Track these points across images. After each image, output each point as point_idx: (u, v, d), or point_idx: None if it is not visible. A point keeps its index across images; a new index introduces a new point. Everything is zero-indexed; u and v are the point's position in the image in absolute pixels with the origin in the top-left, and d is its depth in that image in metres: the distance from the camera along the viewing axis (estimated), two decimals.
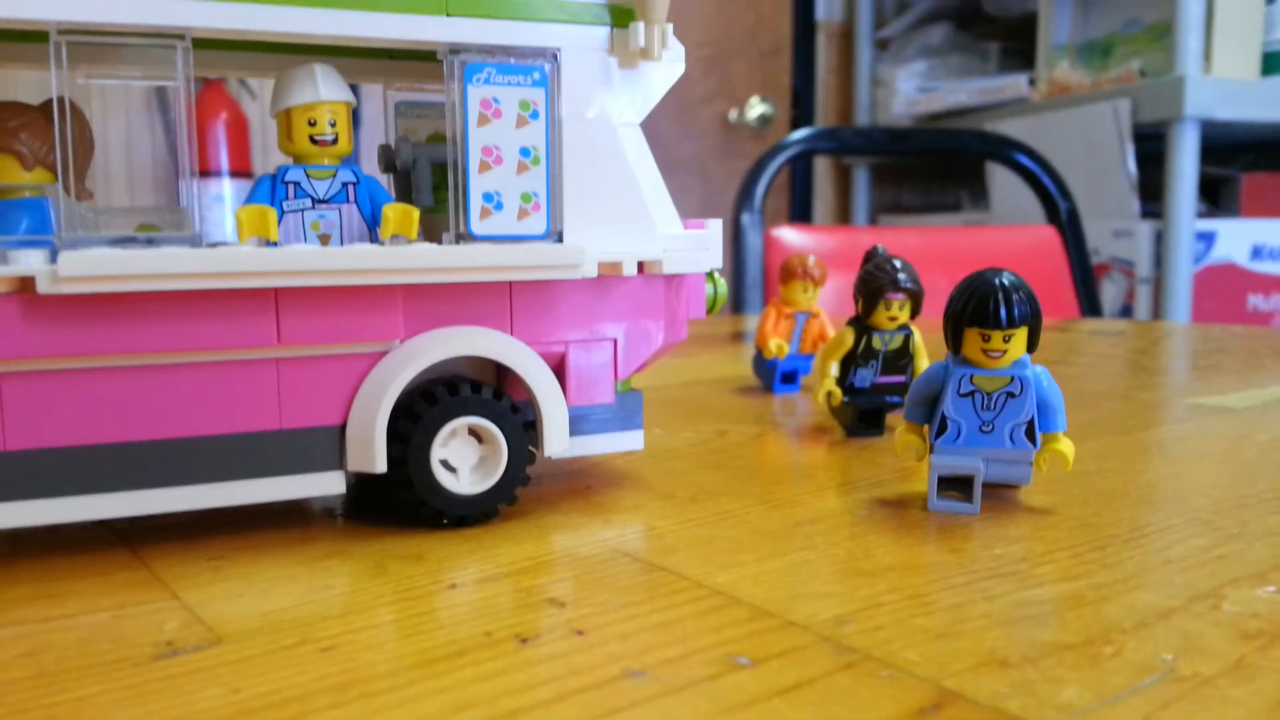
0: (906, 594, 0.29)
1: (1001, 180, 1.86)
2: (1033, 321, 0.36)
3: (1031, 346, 0.36)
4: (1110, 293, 1.68)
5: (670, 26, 0.36)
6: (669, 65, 0.37)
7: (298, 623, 0.27)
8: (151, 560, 0.32)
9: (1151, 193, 1.65)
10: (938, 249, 1.35)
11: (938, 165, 2.43)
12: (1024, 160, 1.41)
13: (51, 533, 0.34)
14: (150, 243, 0.31)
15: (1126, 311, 1.67)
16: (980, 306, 0.35)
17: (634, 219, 0.37)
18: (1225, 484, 0.41)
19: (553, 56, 0.35)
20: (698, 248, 0.38)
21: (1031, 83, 1.92)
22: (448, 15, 0.33)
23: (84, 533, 0.34)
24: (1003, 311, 0.35)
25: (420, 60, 0.37)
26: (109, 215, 0.32)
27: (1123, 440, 0.49)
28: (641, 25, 0.36)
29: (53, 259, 0.29)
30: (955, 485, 0.37)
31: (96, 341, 0.30)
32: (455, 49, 0.34)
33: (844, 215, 2.43)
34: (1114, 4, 1.82)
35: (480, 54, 0.34)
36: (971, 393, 0.36)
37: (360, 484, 0.36)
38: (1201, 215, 1.68)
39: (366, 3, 0.32)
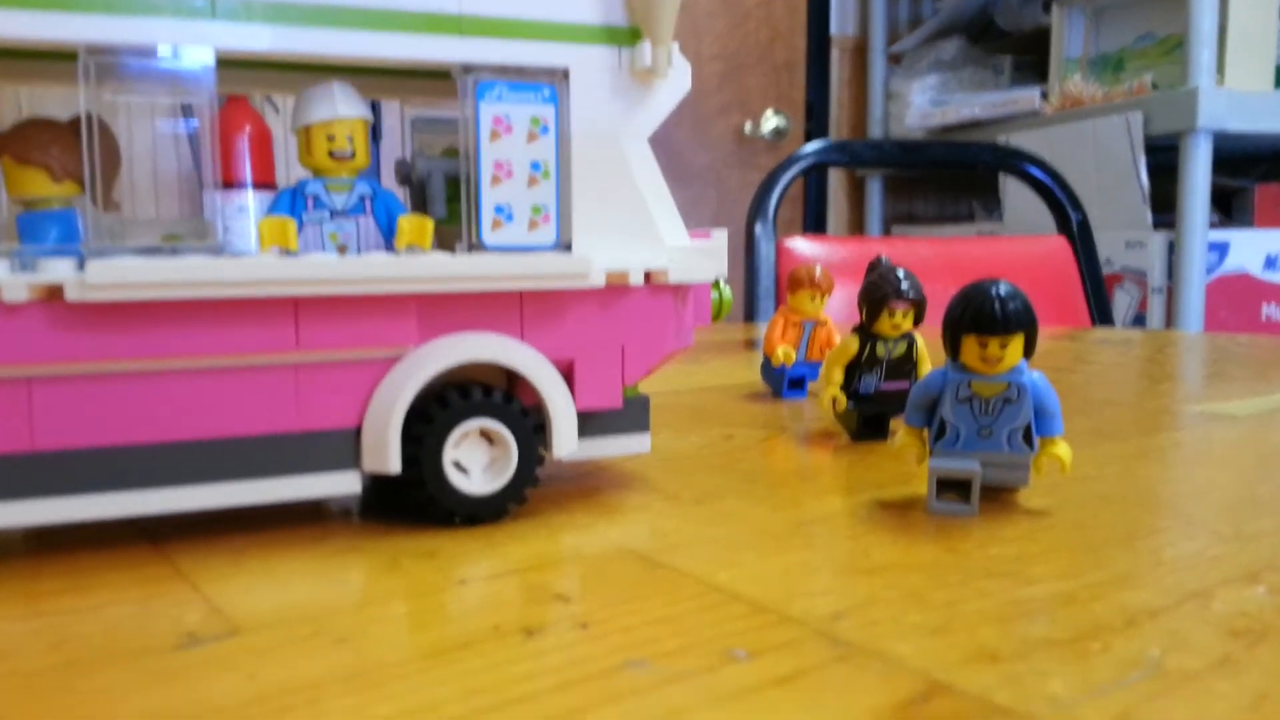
0: (902, 591, 0.30)
1: (1014, 191, 1.87)
2: (1028, 329, 0.36)
3: (1028, 353, 0.37)
4: (1123, 302, 1.68)
5: (676, 45, 0.37)
6: (675, 83, 0.38)
7: (313, 615, 0.28)
8: (175, 555, 0.33)
9: (1164, 203, 1.66)
10: (950, 259, 1.36)
11: (951, 177, 2.44)
12: (1035, 172, 1.42)
13: (79, 529, 0.35)
14: (175, 252, 0.32)
15: (1139, 321, 1.67)
16: (977, 314, 0.36)
17: (641, 230, 0.38)
18: (1221, 488, 0.42)
19: (562, 75, 0.36)
20: (703, 257, 0.39)
21: (1044, 96, 1.93)
22: (461, 36, 0.35)
23: (110, 529, 0.35)
24: (998, 319, 0.36)
25: (435, 79, 0.39)
26: (135, 226, 0.34)
27: (1123, 446, 0.50)
28: (648, 45, 0.37)
29: (80, 267, 0.31)
30: (955, 488, 0.38)
31: (122, 346, 0.31)
32: (468, 68, 0.35)
33: (857, 226, 2.44)
34: (1126, 18, 1.82)
35: (492, 73, 0.35)
36: (969, 398, 0.37)
37: (375, 484, 0.37)
38: (1215, 226, 1.68)
39: (383, 24, 0.33)
